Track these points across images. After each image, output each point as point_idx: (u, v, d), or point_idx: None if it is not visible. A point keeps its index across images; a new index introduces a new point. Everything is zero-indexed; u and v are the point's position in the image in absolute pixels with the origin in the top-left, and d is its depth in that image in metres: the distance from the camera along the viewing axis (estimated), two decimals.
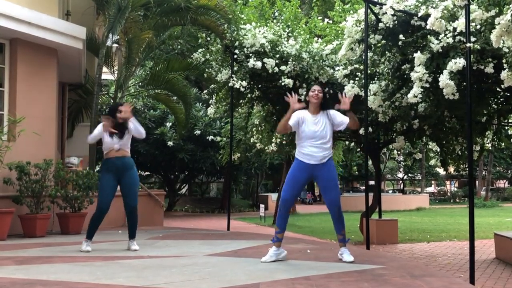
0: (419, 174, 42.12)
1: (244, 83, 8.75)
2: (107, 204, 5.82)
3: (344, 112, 5.02)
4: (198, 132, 18.55)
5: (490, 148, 10.30)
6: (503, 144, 9.82)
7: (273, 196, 25.26)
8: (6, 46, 8.01)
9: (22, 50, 8.06)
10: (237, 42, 9.07)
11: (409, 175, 44.60)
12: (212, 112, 10.58)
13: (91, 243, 5.80)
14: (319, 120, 4.93)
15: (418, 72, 6.20)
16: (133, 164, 5.98)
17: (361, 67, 8.27)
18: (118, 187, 5.93)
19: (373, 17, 7.15)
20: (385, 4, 6.77)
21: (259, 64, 8.66)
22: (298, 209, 24.37)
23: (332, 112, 5.03)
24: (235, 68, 9.20)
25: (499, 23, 5.03)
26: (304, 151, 4.87)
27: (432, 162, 33.99)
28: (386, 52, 7.47)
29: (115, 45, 11.88)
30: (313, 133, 4.86)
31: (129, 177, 5.84)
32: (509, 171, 45.69)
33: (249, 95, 10.06)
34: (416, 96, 6.24)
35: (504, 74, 5.60)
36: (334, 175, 4.91)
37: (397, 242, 10.64)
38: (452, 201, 40.38)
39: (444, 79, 5.83)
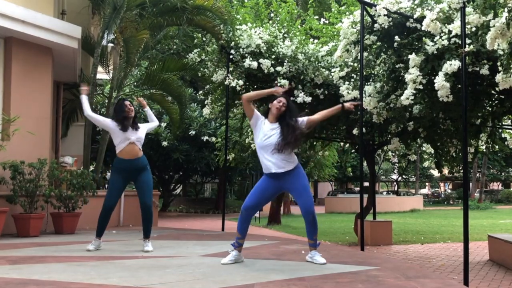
0: (413, 176, 42.25)
1: (241, 82, 8.75)
2: (110, 203, 5.79)
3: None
4: (193, 132, 18.55)
5: (485, 150, 10.34)
6: (497, 146, 9.87)
7: None
8: (0, 44, 7.98)
9: (17, 49, 8.02)
10: (232, 43, 9.07)
11: (404, 176, 44.73)
12: (207, 112, 10.57)
13: (99, 241, 5.81)
14: (275, 129, 4.76)
15: (412, 74, 6.22)
16: (146, 164, 5.88)
17: (356, 64, 8.29)
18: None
19: (369, 19, 7.17)
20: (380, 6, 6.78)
21: (255, 64, 8.66)
22: (292, 210, 24.39)
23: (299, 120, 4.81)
24: (231, 69, 9.19)
25: (494, 26, 5.05)
26: (263, 161, 4.77)
27: (427, 164, 34.19)
28: (382, 54, 7.49)
29: (110, 44, 11.85)
30: (262, 142, 4.74)
31: (143, 177, 5.80)
32: (503, 173, 45.90)
33: None
34: (408, 98, 6.26)
35: (498, 77, 5.62)
36: (304, 180, 4.78)
37: (391, 244, 10.66)
38: (446, 203, 40.55)
39: (439, 81, 5.85)
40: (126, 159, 5.74)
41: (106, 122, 5.92)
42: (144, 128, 6.07)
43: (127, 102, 5.93)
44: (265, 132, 4.78)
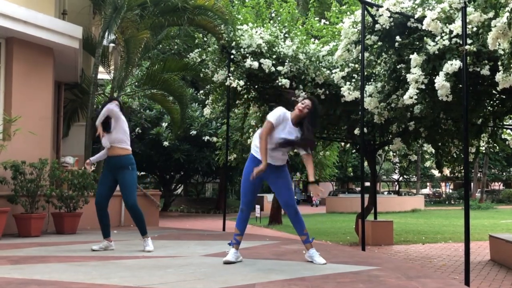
0: (414, 176, 42.23)
1: (242, 82, 8.75)
2: (97, 199, 5.82)
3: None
4: (194, 132, 18.56)
5: (485, 150, 10.34)
6: (498, 146, 9.86)
7: (269, 197, 25.26)
8: (2, 45, 7.98)
9: (18, 49, 8.03)
10: (233, 43, 9.08)
11: (405, 176, 44.70)
12: (208, 112, 10.57)
13: (106, 242, 5.83)
14: (292, 132, 4.74)
15: (414, 74, 6.22)
16: (127, 163, 5.79)
17: (357, 65, 8.29)
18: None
19: (370, 19, 7.17)
20: (381, 6, 6.79)
21: (256, 64, 8.67)
22: None
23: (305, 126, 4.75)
24: (232, 69, 9.20)
25: (495, 26, 5.05)
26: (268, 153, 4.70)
27: (428, 163, 34.17)
28: (383, 54, 7.49)
29: (111, 44, 11.86)
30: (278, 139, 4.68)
31: (122, 177, 5.77)
32: (504, 173, 45.87)
33: (245, 96, 10.07)
34: (411, 98, 6.26)
35: (498, 76, 5.62)
36: (287, 176, 4.83)
37: (392, 244, 10.66)
38: (447, 203, 40.52)
39: (440, 81, 5.85)
40: (109, 156, 5.85)
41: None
42: (117, 130, 5.80)
43: (115, 102, 5.89)
44: (288, 131, 4.73)
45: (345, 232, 13.45)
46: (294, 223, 4.82)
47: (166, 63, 12.07)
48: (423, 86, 6.23)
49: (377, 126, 8.83)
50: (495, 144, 9.64)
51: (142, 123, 19.71)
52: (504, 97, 7.33)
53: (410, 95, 6.24)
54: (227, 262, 4.68)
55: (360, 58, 7.19)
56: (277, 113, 4.73)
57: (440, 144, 9.50)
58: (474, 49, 5.86)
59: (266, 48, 8.99)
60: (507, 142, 9.80)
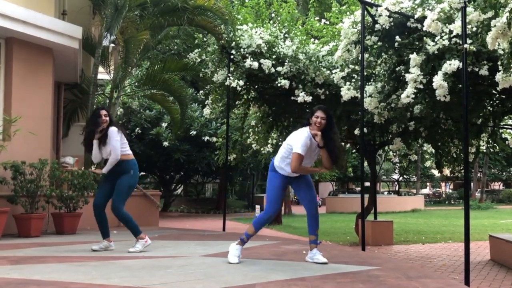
0: (414, 176, 42.22)
1: (241, 82, 8.75)
2: (96, 201, 5.84)
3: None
4: (193, 132, 18.57)
5: (485, 150, 10.34)
6: (498, 146, 9.86)
7: None
8: (1, 45, 7.98)
9: (18, 49, 8.02)
10: (233, 43, 9.08)
11: (405, 176, 44.70)
12: (208, 112, 10.58)
13: (106, 242, 5.82)
14: (316, 152, 4.93)
15: (413, 74, 6.22)
16: (128, 168, 5.78)
17: (357, 67, 8.29)
18: None
19: (370, 19, 7.16)
20: (381, 6, 6.78)
21: (255, 64, 8.67)
22: (294, 210, 24.40)
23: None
24: (232, 69, 9.20)
25: (495, 26, 5.04)
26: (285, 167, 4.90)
27: (428, 163, 34.14)
28: (382, 54, 7.49)
29: (111, 44, 11.85)
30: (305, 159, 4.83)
31: (119, 179, 5.77)
32: (504, 173, 45.86)
33: (245, 96, 10.07)
34: (409, 97, 6.26)
35: (498, 76, 5.62)
36: (309, 177, 5.11)
37: (392, 244, 10.66)
38: (447, 202, 40.52)
39: (438, 80, 5.84)
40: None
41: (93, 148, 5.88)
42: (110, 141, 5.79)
43: (102, 112, 5.82)
44: (315, 151, 4.91)
45: (345, 232, 13.46)
46: (311, 220, 4.98)
47: (166, 63, 12.07)
48: (421, 86, 6.23)
49: (377, 126, 8.83)
50: (495, 144, 9.64)
51: (142, 123, 19.71)
52: (504, 97, 7.33)
53: (407, 94, 6.24)
54: (231, 262, 4.73)
55: (360, 58, 7.19)
56: (303, 142, 4.73)
57: (440, 144, 9.50)
58: (474, 48, 5.86)
59: (266, 48, 8.99)
60: (507, 142, 9.79)
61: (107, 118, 5.80)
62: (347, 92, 7.78)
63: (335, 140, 4.84)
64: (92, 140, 5.82)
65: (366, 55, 7.62)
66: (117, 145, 5.69)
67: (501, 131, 9.65)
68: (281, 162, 4.90)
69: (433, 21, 5.90)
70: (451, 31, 6.02)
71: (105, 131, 5.76)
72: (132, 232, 5.81)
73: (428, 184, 55.23)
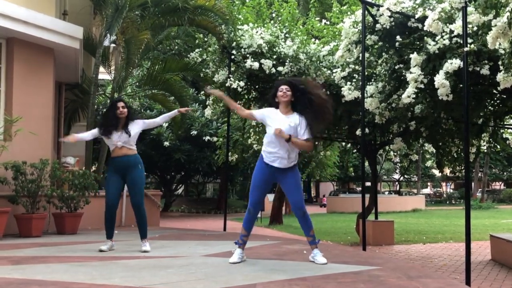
0: (415, 176, 42.21)
1: (242, 83, 8.75)
2: (112, 201, 5.78)
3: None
4: (194, 132, 18.58)
5: (486, 150, 10.34)
6: (498, 146, 9.86)
7: (270, 197, 25.21)
8: (2, 45, 7.98)
9: (19, 49, 8.03)
10: (234, 43, 9.08)
11: (405, 176, 44.69)
12: (209, 113, 10.58)
13: (111, 242, 5.81)
14: (289, 120, 4.65)
15: (414, 73, 6.22)
16: (137, 162, 5.91)
17: (358, 67, 8.28)
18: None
19: (370, 19, 7.16)
20: (382, 6, 6.79)
21: (256, 64, 8.67)
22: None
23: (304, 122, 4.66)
24: (232, 69, 9.20)
25: (495, 25, 5.04)
26: (269, 153, 4.72)
27: (428, 163, 34.16)
28: (383, 54, 7.49)
29: (112, 45, 11.86)
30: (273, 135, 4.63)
31: (131, 175, 5.79)
32: (505, 173, 45.84)
33: (246, 96, 10.07)
34: (410, 96, 6.26)
35: (499, 76, 5.62)
36: (296, 177, 4.79)
37: (393, 243, 10.66)
38: (448, 202, 40.53)
39: (439, 79, 5.84)
40: (115, 157, 5.83)
41: (94, 133, 5.95)
42: (140, 126, 6.06)
43: (120, 104, 5.89)
44: (279, 123, 4.64)
45: (346, 232, 13.45)
46: (302, 224, 4.83)
47: (167, 63, 12.08)
48: (422, 86, 6.24)
49: (378, 126, 8.83)
50: (495, 144, 9.63)
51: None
52: (504, 96, 7.33)
53: (408, 94, 6.25)
54: (233, 263, 4.70)
55: (360, 58, 7.19)
56: (262, 109, 4.88)
57: (441, 144, 9.50)
58: (475, 48, 5.86)
59: (266, 48, 8.99)
60: (507, 142, 9.79)
61: (125, 110, 5.87)
62: (350, 93, 7.78)
63: (313, 100, 4.58)
64: (108, 127, 5.82)
65: (366, 55, 7.62)
66: (151, 122, 6.44)
67: (502, 131, 9.65)
68: (265, 145, 4.76)
69: (434, 20, 5.91)
70: (452, 31, 6.02)
71: (124, 121, 5.86)
72: (144, 232, 5.81)
73: (429, 184, 55.23)
